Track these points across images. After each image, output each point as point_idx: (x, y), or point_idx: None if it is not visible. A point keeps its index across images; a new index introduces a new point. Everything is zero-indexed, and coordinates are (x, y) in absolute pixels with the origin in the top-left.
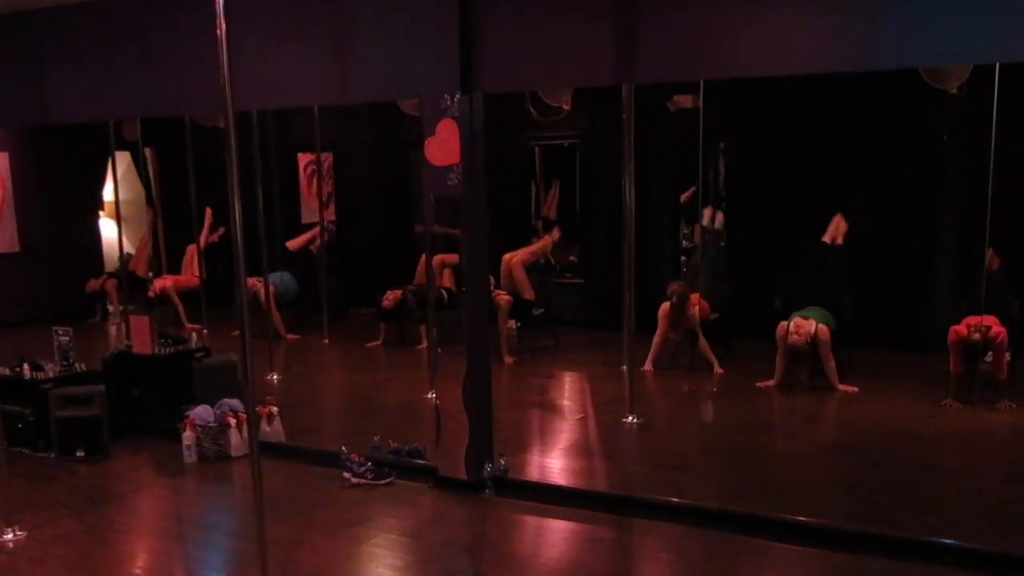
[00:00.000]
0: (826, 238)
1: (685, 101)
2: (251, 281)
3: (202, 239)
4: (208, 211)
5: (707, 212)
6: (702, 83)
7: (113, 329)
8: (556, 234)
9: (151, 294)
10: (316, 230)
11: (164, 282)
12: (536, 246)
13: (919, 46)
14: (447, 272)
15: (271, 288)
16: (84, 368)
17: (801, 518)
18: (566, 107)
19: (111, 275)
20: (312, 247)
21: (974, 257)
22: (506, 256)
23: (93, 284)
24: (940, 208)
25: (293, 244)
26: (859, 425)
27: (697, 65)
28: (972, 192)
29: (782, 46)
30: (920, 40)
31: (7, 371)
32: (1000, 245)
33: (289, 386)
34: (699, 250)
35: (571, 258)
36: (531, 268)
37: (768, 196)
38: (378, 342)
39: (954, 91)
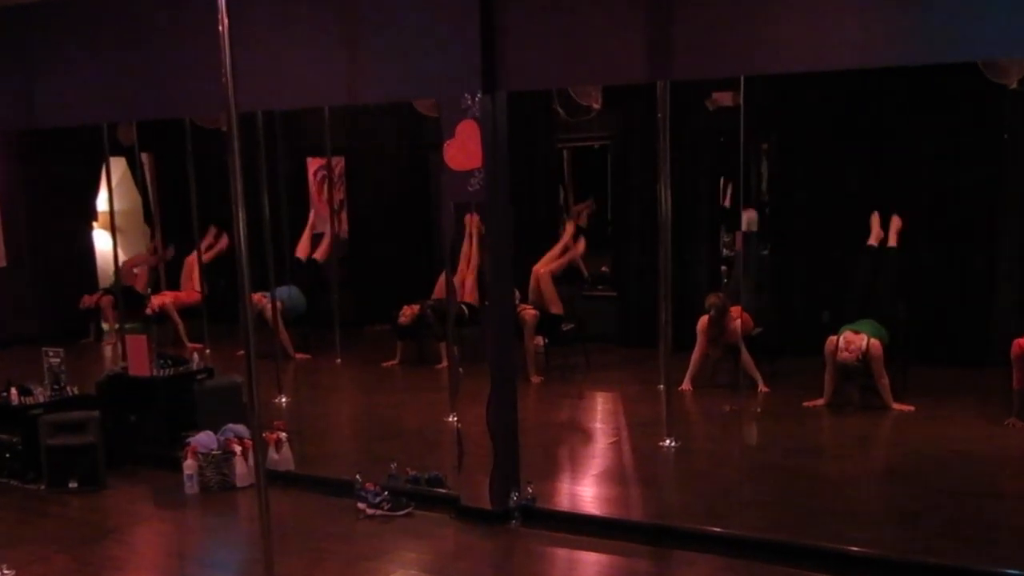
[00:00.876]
0: (872, 240)
1: (725, 99)
2: (256, 297)
3: (205, 252)
4: (213, 229)
5: (747, 216)
6: (743, 79)
7: (108, 350)
8: (581, 246)
9: (149, 311)
10: (326, 240)
11: (163, 298)
12: (566, 257)
13: (976, 38)
14: (469, 285)
15: (278, 304)
16: (77, 392)
17: (853, 548)
18: (596, 106)
19: (106, 291)
20: (316, 255)
21: None
22: (536, 267)
23: (87, 301)
24: (1000, 211)
25: (303, 251)
26: (915, 447)
27: (737, 60)
28: None
29: (828, 39)
30: (977, 31)
31: None
32: None
33: (299, 410)
34: (740, 259)
35: (603, 269)
36: (559, 280)
37: (815, 199)
38: (395, 361)
39: (1015, 86)
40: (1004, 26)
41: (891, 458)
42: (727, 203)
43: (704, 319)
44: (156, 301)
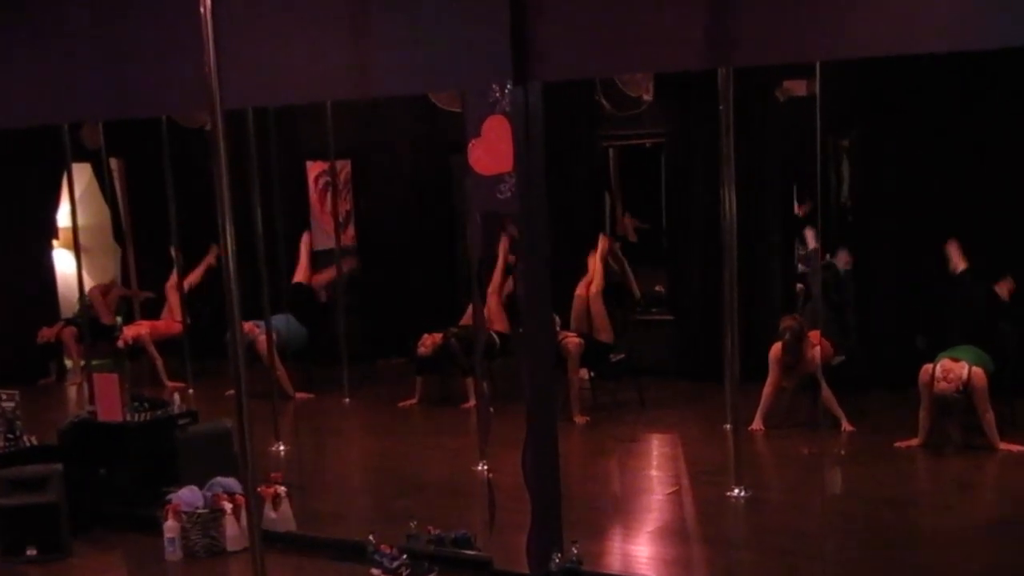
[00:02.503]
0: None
1: (798, 88)
2: (248, 327)
3: (190, 276)
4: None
5: (808, 233)
6: (818, 65)
7: (72, 391)
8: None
9: (121, 344)
10: (332, 270)
11: (137, 329)
12: (599, 264)
13: None
14: (493, 308)
15: (274, 335)
16: (35, 442)
17: None
18: (647, 98)
19: (69, 322)
20: (316, 281)
21: None
22: (580, 289)
23: (46, 334)
24: None
25: (302, 274)
26: None
27: (811, 43)
28: None
29: (919, 18)
30: None
31: None
32: None
33: (300, 459)
34: (819, 275)
35: (657, 288)
36: (606, 303)
37: (906, 204)
38: (413, 400)
39: None
40: None
41: (999, 508)
42: (801, 211)
43: (777, 346)
44: (129, 332)
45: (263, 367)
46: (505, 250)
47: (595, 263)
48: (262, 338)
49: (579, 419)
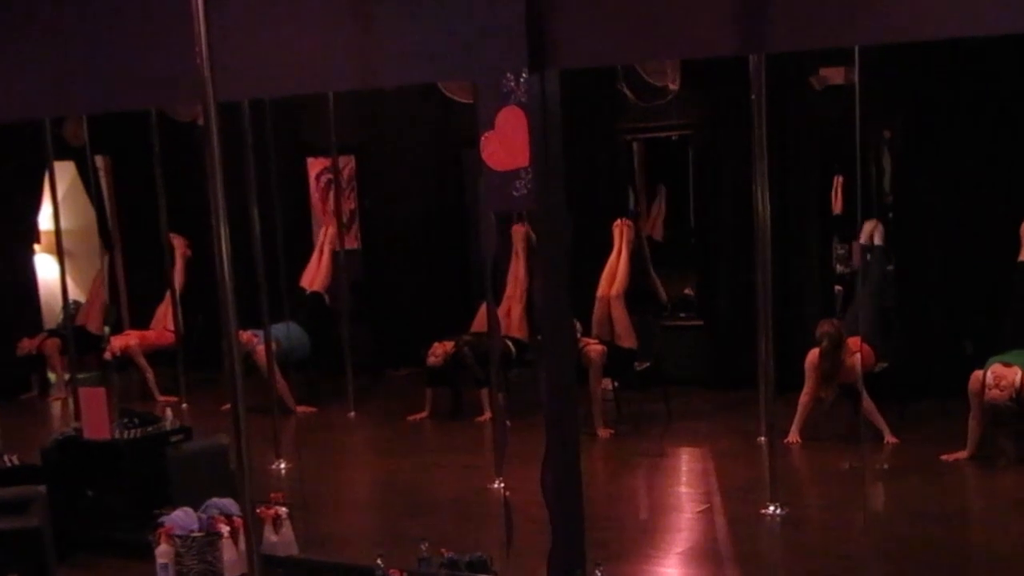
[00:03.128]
0: None
1: (835, 75)
2: (245, 336)
3: (176, 277)
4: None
5: (868, 227)
6: (857, 50)
7: (57, 406)
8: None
9: (108, 356)
10: (324, 260)
11: (126, 340)
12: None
13: None
14: (516, 315)
15: (273, 345)
16: (16, 462)
17: None
18: (673, 87)
19: (52, 333)
20: (316, 285)
21: None
22: (601, 290)
23: (26, 345)
24: None
25: (310, 279)
26: None
27: (849, 27)
28: None
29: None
30: None
31: None
32: None
33: (303, 478)
34: (859, 277)
35: (685, 292)
36: (629, 306)
37: (952, 201)
38: (424, 413)
39: None
40: None
41: None
42: (839, 208)
43: (814, 353)
44: (117, 343)
45: (262, 379)
46: (522, 248)
47: (617, 258)
48: (261, 348)
49: (602, 432)
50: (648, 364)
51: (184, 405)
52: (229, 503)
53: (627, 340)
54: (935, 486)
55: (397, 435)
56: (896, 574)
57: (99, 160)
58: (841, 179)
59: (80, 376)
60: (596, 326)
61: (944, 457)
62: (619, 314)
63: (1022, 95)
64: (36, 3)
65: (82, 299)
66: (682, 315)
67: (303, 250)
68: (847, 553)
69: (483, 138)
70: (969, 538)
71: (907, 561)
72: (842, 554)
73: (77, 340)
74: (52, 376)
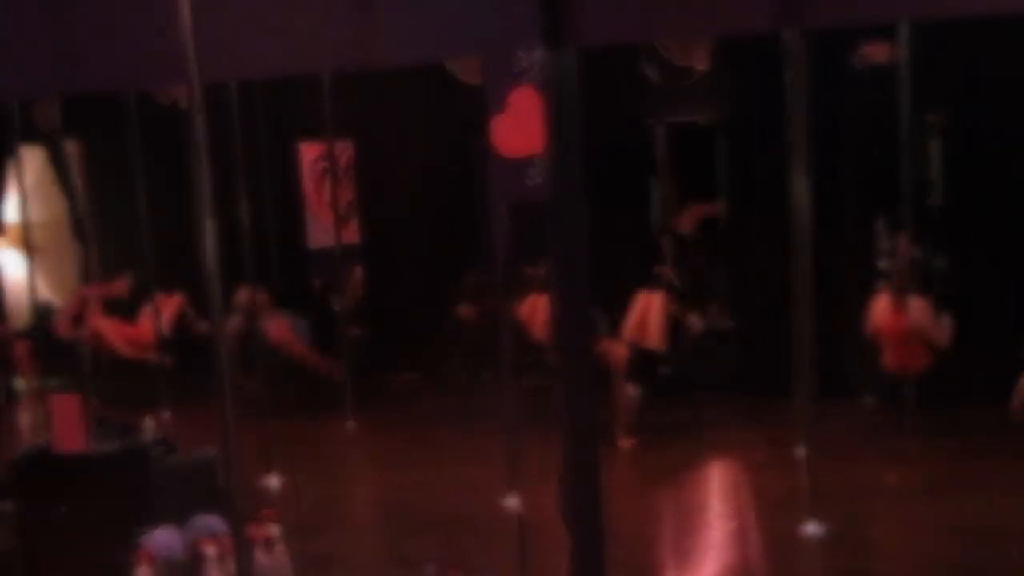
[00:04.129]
0: None
1: (879, 54)
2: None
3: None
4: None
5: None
6: (904, 28)
7: (25, 416)
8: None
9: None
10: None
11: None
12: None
13: None
14: (543, 312)
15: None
16: None
17: None
18: (701, 67)
19: (20, 335)
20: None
21: None
22: (644, 294)
23: None
24: None
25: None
26: None
27: (892, 2)
28: None
29: None
30: None
31: None
32: None
33: (297, 494)
34: (905, 272)
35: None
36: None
37: (1007, 190)
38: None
39: None
40: None
41: None
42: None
43: None
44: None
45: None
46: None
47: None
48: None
49: (624, 443)
50: (672, 369)
51: (168, 414)
52: (216, 522)
53: (655, 340)
54: (990, 500)
55: (400, 446)
56: None
57: (71, 146)
58: (885, 166)
59: (51, 383)
60: (632, 328)
61: None
62: (656, 317)
63: None
64: None
65: (53, 299)
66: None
67: (295, 241)
68: (894, 573)
69: (493, 122)
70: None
71: None
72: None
73: (49, 344)
74: (21, 382)
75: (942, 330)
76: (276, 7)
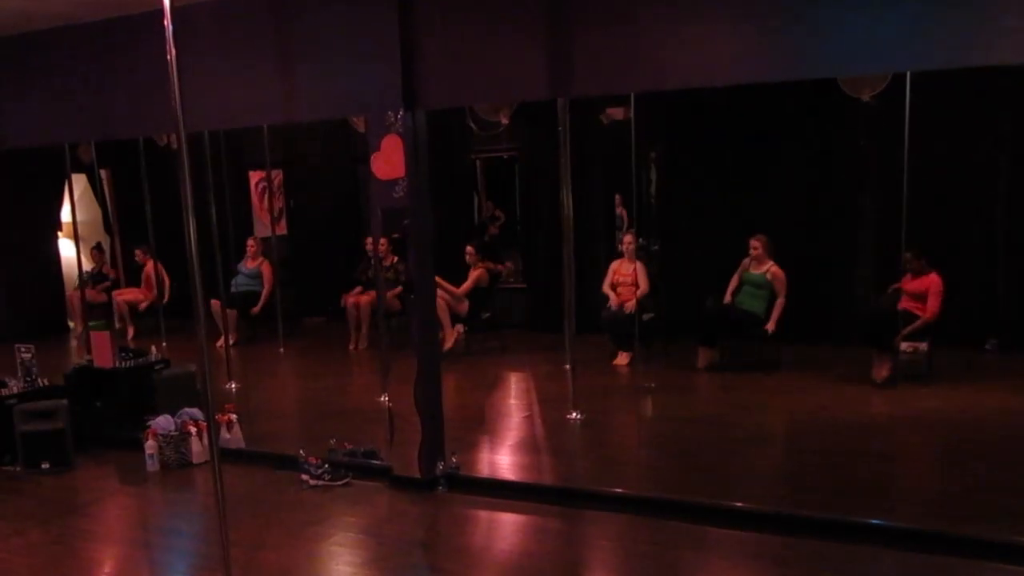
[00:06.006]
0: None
1: (617, 113)
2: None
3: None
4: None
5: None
6: (632, 96)
7: (74, 344)
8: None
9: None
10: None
11: (126, 295)
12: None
13: (833, 56)
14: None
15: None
16: (47, 383)
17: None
18: (505, 121)
19: (72, 292)
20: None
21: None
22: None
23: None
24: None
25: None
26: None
27: (627, 79)
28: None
29: (707, 60)
30: (832, 49)
31: None
32: None
33: (247, 394)
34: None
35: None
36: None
37: (700, 204)
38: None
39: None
40: (856, 45)
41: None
42: (622, 211)
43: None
44: (121, 297)
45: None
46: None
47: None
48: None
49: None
50: (489, 314)
51: (164, 344)
52: (196, 411)
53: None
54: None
55: (312, 363)
56: (658, 460)
57: (104, 173)
58: (621, 188)
59: (92, 324)
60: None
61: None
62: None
63: (747, 129)
64: (58, 66)
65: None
66: (511, 280)
67: (245, 235)
68: (626, 445)
69: (372, 156)
70: (709, 433)
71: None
72: (623, 446)
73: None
74: (72, 323)
75: (644, 281)
76: (233, 83)
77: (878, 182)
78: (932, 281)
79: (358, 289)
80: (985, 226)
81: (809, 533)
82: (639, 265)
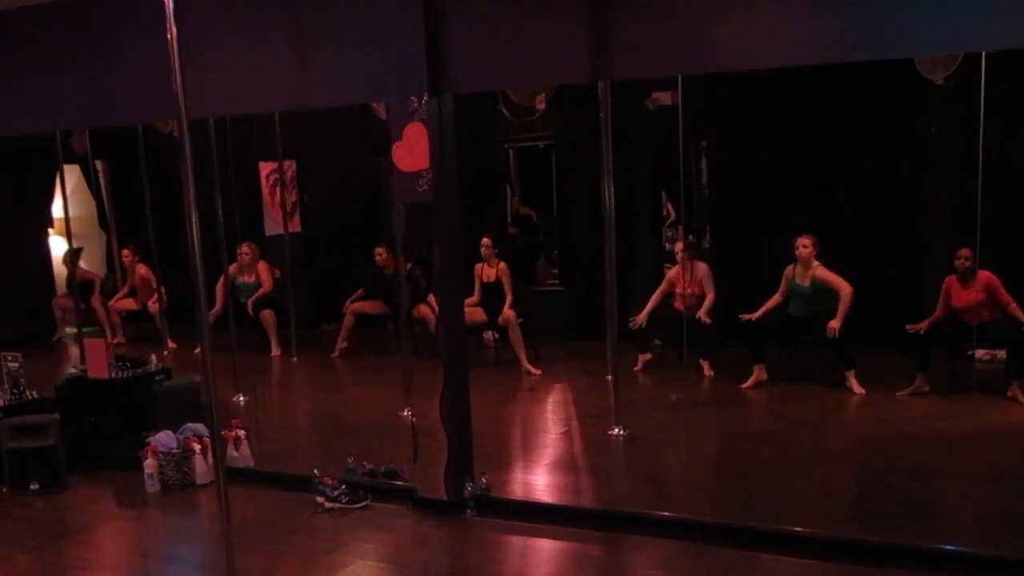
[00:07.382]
0: None
1: (664, 98)
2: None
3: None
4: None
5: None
6: (680, 79)
7: (74, 352)
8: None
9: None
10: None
11: (123, 304)
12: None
13: (897, 37)
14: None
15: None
16: (36, 395)
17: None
18: (541, 106)
19: (64, 296)
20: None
21: None
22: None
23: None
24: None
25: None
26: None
27: (673, 60)
28: None
29: (756, 40)
30: (898, 31)
31: None
32: None
33: (257, 408)
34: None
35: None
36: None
37: (752, 197)
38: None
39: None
40: (925, 25)
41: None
42: (669, 206)
43: None
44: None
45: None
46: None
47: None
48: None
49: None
50: (522, 320)
51: (165, 352)
52: (200, 427)
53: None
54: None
55: (328, 374)
56: (711, 480)
57: (99, 164)
58: (669, 178)
59: (85, 330)
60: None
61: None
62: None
63: (804, 115)
64: (49, 46)
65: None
66: (548, 282)
67: (255, 232)
68: (674, 464)
69: (394, 146)
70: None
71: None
72: (670, 464)
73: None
74: (69, 329)
75: (711, 289)
76: (241, 66)
77: (950, 173)
78: (989, 279)
79: (360, 292)
80: None
81: (873, 560)
82: (704, 268)
